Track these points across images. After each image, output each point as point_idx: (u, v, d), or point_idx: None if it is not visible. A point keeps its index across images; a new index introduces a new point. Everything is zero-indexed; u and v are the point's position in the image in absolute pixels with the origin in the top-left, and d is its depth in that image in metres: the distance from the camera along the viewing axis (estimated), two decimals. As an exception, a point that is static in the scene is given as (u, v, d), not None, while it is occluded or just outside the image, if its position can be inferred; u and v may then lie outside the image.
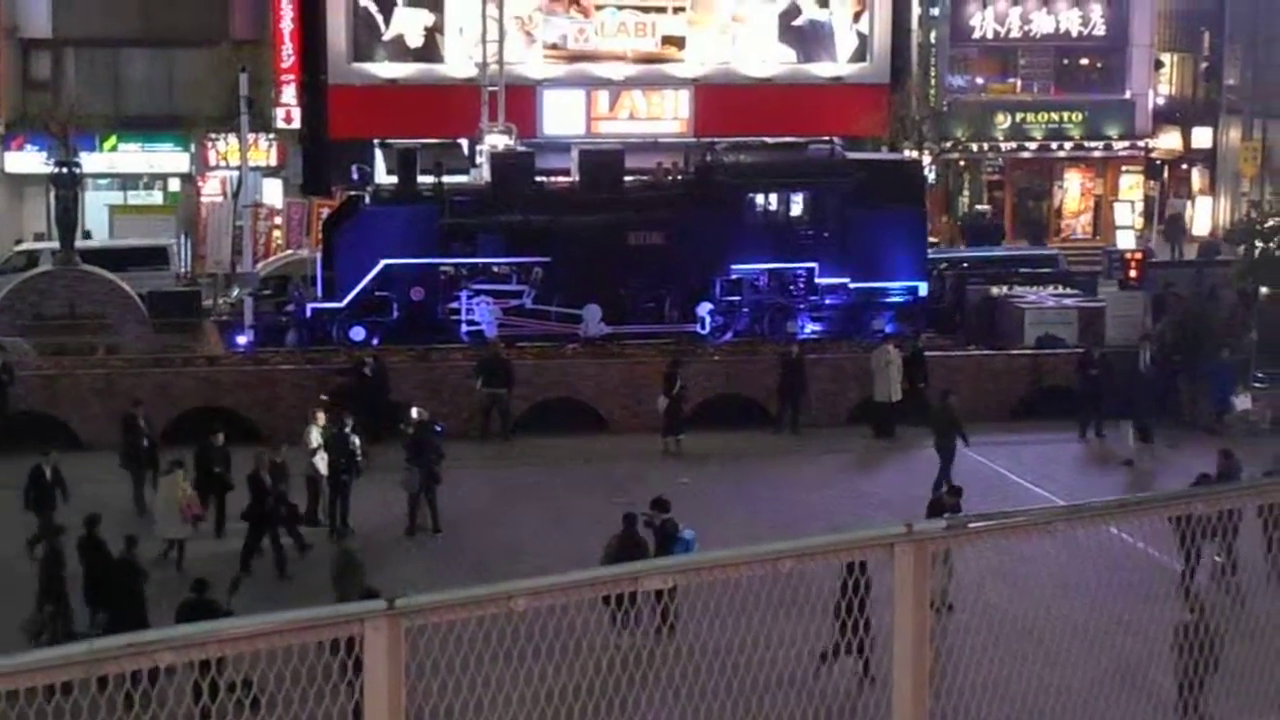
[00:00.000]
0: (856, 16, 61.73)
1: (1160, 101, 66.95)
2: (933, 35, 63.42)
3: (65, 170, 44.02)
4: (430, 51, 60.05)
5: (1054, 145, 63.95)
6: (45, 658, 5.80)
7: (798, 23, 61.76)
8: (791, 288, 44.22)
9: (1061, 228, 64.40)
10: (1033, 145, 63.83)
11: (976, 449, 37.49)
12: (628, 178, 45.33)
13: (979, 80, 64.86)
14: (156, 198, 60.75)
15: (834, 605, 8.15)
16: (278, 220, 54.42)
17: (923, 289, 44.53)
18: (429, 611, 6.49)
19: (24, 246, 52.70)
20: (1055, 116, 63.87)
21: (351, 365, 38.53)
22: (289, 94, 58.93)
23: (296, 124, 59.33)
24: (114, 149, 59.22)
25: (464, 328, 43.02)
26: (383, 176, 51.74)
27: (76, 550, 26.20)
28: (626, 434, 38.13)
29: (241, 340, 43.33)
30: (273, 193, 58.52)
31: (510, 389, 38.57)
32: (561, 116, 60.02)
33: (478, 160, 51.32)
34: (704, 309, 43.59)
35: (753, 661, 10.21)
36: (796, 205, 44.20)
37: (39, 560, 26.74)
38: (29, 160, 56.63)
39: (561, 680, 10.15)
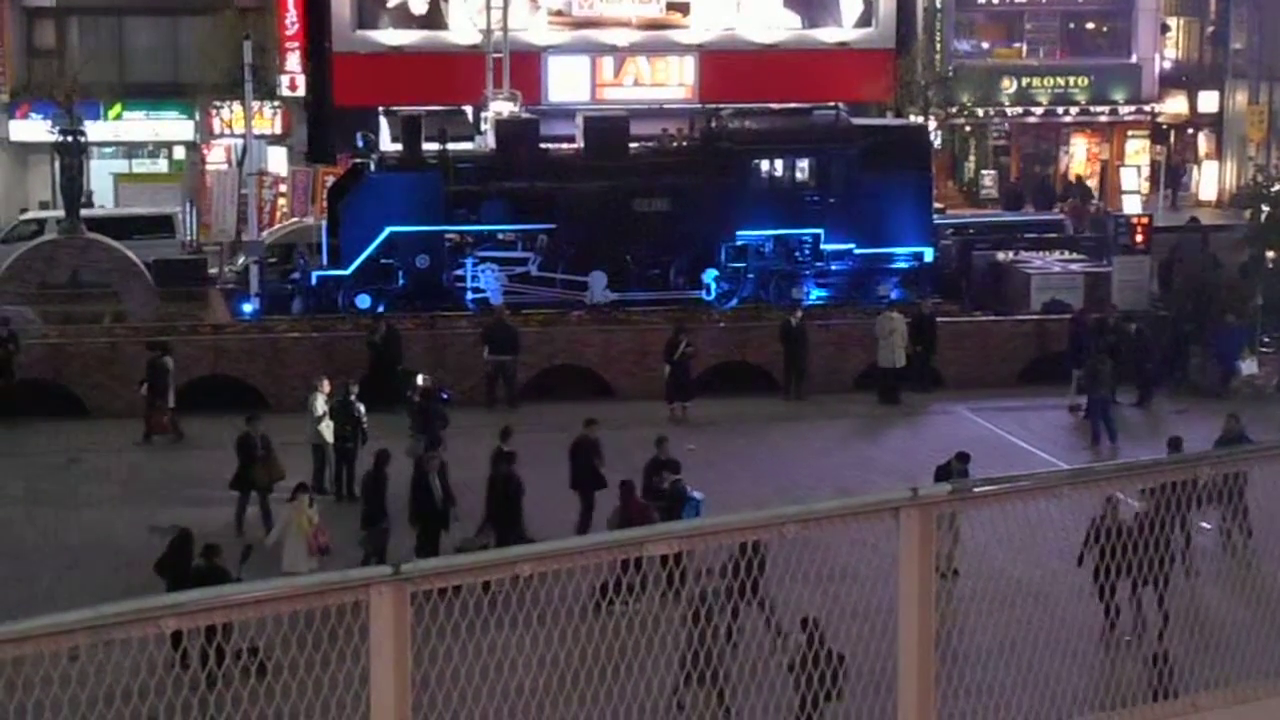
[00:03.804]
0: (861, -19, 61.55)
1: (1166, 66, 66.73)
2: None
3: (70, 138, 43.95)
4: (434, 18, 59.91)
5: (1060, 110, 63.82)
6: (51, 623, 5.81)
7: (802, -12, 61.60)
8: (797, 254, 44.16)
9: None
10: (1038, 110, 63.70)
11: (982, 414, 37.58)
12: (633, 144, 45.24)
13: (985, 45, 64.72)
14: (161, 166, 60.69)
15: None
16: (283, 188, 54.33)
17: (928, 254, 44.46)
18: (435, 577, 6.50)
19: (29, 215, 52.68)
20: (1061, 81, 63.74)
21: (366, 333, 38.58)
22: (293, 61, 58.83)
23: (301, 91, 59.24)
24: (119, 117, 59.18)
25: (469, 295, 43.02)
26: (387, 144, 51.65)
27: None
28: (632, 401, 38.10)
29: (247, 308, 43.33)
30: (277, 161, 58.46)
31: (516, 356, 38.59)
32: (566, 83, 59.90)
33: (483, 127, 51.18)
34: (709, 275, 43.55)
35: (759, 625, 10.21)
36: (802, 171, 44.12)
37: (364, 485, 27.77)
38: (34, 129, 56.56)
39: (567, 645, 10.16)
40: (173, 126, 60.14)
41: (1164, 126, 66.20)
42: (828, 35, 61.39)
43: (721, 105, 51.41)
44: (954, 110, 61.41)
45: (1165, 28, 66.91)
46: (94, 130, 52.36)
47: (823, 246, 43.89)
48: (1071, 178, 63.54)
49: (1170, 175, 64.73)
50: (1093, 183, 64.33)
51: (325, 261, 43.64)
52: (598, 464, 29.36)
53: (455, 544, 27.25)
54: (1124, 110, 64.10)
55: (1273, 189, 45.41)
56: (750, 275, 43.82)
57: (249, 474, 29.76)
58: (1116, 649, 19.78)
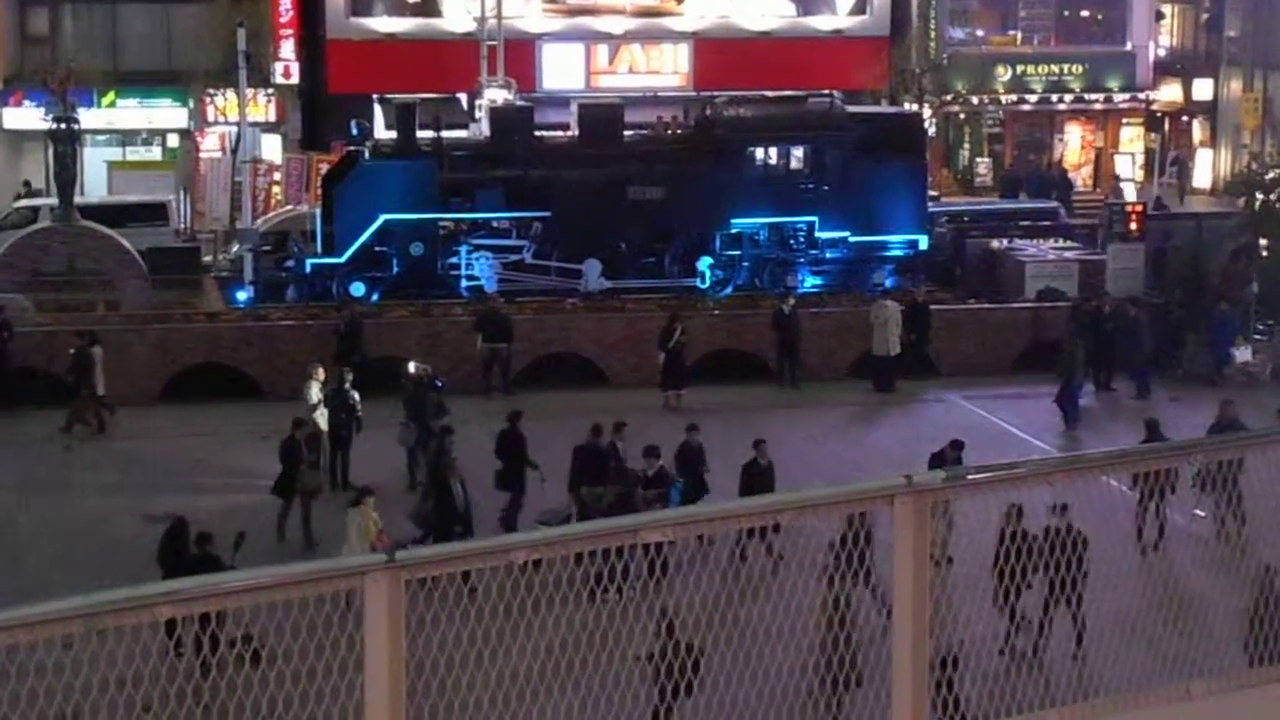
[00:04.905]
0: (856, -31, 61.52)
1: (1161, 53, 66.69)
2: (933, -13, 63.21)
3: (63, 126, 43.90)
4: (429, 5, 59.83)
5: (1054, 98, 63.77)
6: (45, 611, 5.80)
7: (797, -25, 61.56)
8: (791, 241, 44.17)
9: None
10: (1033, 98, 63.65)
11: (977, 402, 37.60)
12: (627, 132, 45.23)
13: (979, 32, 64.64)
14: (155, 154, 60.63)
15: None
16: (277, 176, 54.25)
17: (923, 242, 44.48)
18: (429, 564, 6.49)
19: (23, 203, 52.60)
20: (1056, 69, 63.68)
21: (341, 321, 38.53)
22: (287, 49, 58.72)
23: (295, 79, 59.16)
24: (112, 105, 59.09)
25: (464, 283, 43.01)
26: (382, 131, 51.63)
27: (497, 442, 29.02)
28: (627, 389, 38.10)
29: (241, 296, 43.31)
30: (272, 148, 58.40)
31: (510, 343, 38.58)
32: (561, 70, 59.85)
33: (477, 115, 51.15)
34: (704, 263, 43.54)
35: (752, 614, 10.22)
36: (796, 159, 44.12)
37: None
38: (27, 116, 56.46)
39: (561, 633, 10.17)
40: (167, 114, 60.09)
41: (1159, 114, 66.17)
42: (822, 23, 61.35)
43: (716, 93, 51.45)
44: (948, 98, 61.35)
45: (1160, 15, 66.87)
46: (88, 118, 52.29)
47: (817, 234, 43.90)
48: (1049, 165, 63.34)
49: (1179, 166, 64.59)
50: (1087, 170, 64.33)
51: (319, 249, 43.63)
52: (703, 470, 28.82)
53: (537, 517, 27.39)
54: (1118, 98, 64.06)
55: (1267, 176, 45.41)
56: (745, 263, 43.82)
57: (293, 480, 28.94)
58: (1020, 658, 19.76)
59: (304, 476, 29.00)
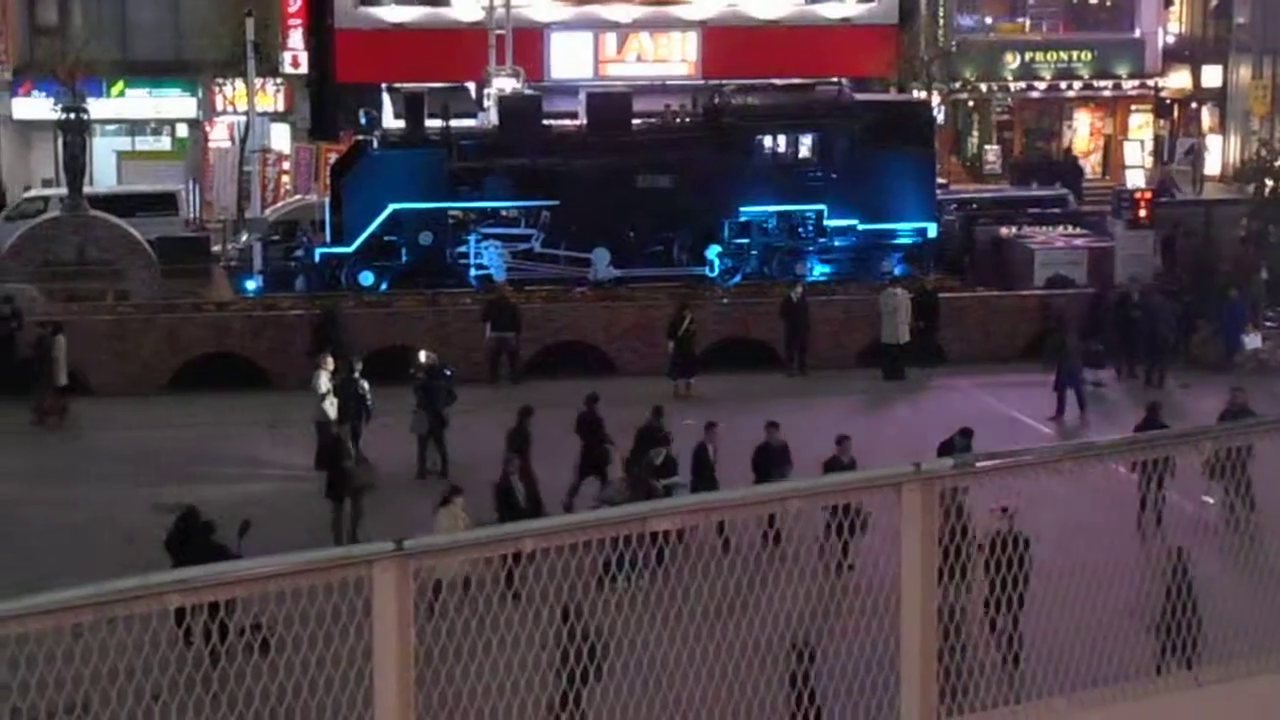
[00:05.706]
0: (864, -44, 61.44)
1: (1170, 40, 66.61)
2: (941, -25, 63.12)
3: (73, 116, 43.94)
4: (437, -5, 59.86)
5: (1063, 85, 63.72)
6: (55, 599, 5.81)
7: (805, -37, 61.48)
8: (800, 230, 44.16)
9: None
10: (1042, 85, 63.60)
11: (986, 389, 37.57)
12: (636, 120, 45.22)
13: (988, 20, 64.58)
14: (164, 143, 60.66)
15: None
16: (286, 165, 54.30)
17: (932, 230, 44.45)
18: (437, 553, 6.50)
19: (33, 193, 52.66)
20: (1064, 56, 63.62)
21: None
22: (296, 38, 58.76)
23: (304, 68, 59.18)
24: (121, 95, 59.09)
25: (473, 272, 43.03)
26: (390, 121, 51.64)
27: (576, 424, 29.41)
28: (636, 377, 38.07)
29: (250, 286, 43.35)
30: (280, 138, 58.41)
31: (518, 333, 38.56)
32: (569, 59, 59.84)
33: (485, 104, 51.12)
34: (713, 252, 43.53)
35: (761, 601, 10.22)
36: (805, 147, 44.10)
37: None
38: (37, 106, 56.47)
39: (570, 620, 10.18)
40: (176, 104, 60.08)
41: (1167, 101, 66.09)
42: (830, 10, 61.29)
43: (724, 81, 51.40)
44: (957, 85, 61.32)
45: (1168, 1, 66.77)
46: (97, 108, 52.26)
47: (826, 222, 43.88)
48: (1058, 153, 63.27)
49: (1193, 154, 64.46)
50: (1096, 157, 64.24)
51: (328, 239, 43.67)
52: (786, 471, 28.15)
53: (598, 496, 27.44)
54: (1127, 85, 64.00)
55: (1276, 163, 45.35)
56: (753, 251, 43.83)
57: (341, 480, 28.13)
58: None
59: (353, 474, 28.22)
